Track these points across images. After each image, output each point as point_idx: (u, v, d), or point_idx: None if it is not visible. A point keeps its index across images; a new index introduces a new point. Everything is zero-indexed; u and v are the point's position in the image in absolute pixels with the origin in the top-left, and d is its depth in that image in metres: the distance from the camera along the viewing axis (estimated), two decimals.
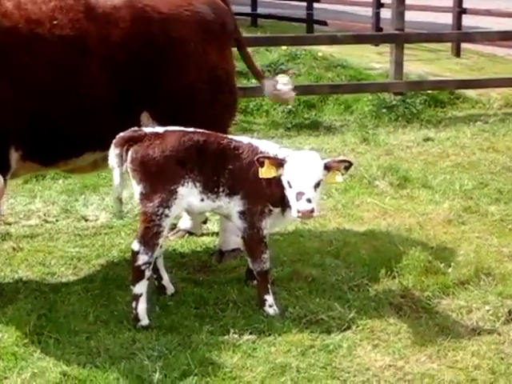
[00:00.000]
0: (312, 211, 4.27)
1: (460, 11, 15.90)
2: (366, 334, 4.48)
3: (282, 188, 4.49)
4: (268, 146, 4.63)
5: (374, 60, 14.24)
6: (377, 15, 17.08)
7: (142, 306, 4.50)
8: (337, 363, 4.18)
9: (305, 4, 19.08)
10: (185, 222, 6.02)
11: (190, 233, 6.01)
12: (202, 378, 3.96)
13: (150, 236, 4.42)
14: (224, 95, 5.27)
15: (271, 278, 4.91)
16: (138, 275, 4.46)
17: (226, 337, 4.41)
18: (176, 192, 4.42)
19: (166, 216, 4.42)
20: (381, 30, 16.40)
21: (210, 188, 4.54)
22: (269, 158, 4.42)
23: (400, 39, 10.54)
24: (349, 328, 4.53)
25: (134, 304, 4.50)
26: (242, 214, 4.61)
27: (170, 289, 4.96)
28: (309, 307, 4.73)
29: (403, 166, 7.70)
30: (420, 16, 18.05)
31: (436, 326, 4.57)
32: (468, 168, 7.95)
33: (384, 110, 10.31)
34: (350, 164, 4.51)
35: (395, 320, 4.62)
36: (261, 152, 4.57)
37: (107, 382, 3.86)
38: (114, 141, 4.46)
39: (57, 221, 6.28)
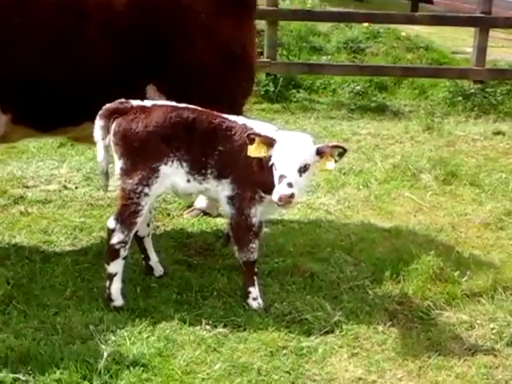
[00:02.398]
0: (291, 196, 3.92)
1: None
2: (347, 340, 4.15)
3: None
4: (264, 128, 4.30)
5: (469, 43, 13.46)
6: None
7: (115, 286, 4.32)
8: (304, 369, 3.88)
9: None
10: (201, 201, 5.79)
11: (206, 213, 5.79)
12: (149, 370, 3.75)
13: (127, 214, 4.22)
14: (237, 71, 5.00)
15: (265, 269, 4.65)
16: (113, 254, 4.28)
17: (197, 327, 4.18)
18: (158, 170, 4.19)
19: (146, 195, 4.20)
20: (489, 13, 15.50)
21: (197, 169, 4.28)
22: (260, 135, 4.11)
23: (484, 23, 9.81)
24: (331, 332, 4.21)
25: (107, 283, 4.33)
26: (231, 199, 4.33)
27: (159, 270, 4.76)
28: (296, 305, 4.42)
29: (456, 160, 7.15)
30: None
31: (427, 339, 4.17)
32: None
33: (460, 98, 9.68)
34: (344, 150, 4.13)
35: (384, 328, 4.26)
36: None
37: (49, 362, 3.70)
38: (99, 112, 4.26)
39: (76, 188, 6.19)
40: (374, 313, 4.41)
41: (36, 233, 5.28)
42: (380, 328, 4.25)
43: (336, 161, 4.12)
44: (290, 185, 3.92)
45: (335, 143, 4.24)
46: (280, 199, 3.94)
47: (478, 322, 4.35)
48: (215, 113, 4.34)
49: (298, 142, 4.05)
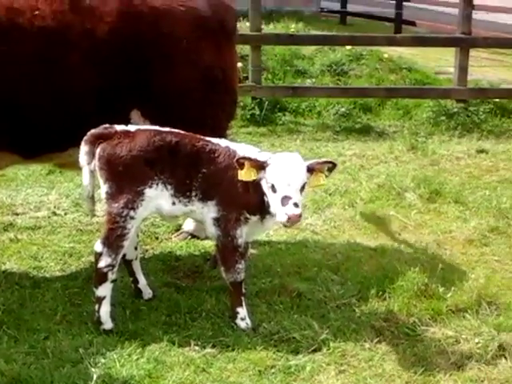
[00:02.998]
0: (300, 215, 4.01)
1: None
2: (335, 357, 4.20)
3: (261, 195, 4.24)
4: (247, 150, 4.38)
5: (452, 64, 13.62)
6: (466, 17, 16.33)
7: (104, 309, 4.36)
8: None
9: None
10: (189, 224, 5.85)
11: (194, 235, 5.84)
12: None
13: (113, 238, 4.27)
14: (219, 95, 5.07)
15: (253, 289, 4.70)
16: (101, 277, 4.32)
17: (186, 348, 4.22)
18: (143, 193, 4.25)
19: (131, 218, 4.26)
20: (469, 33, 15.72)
21: (182, 191, 4.35)
22: (249, 159, 4.19)
23: (464, 43, 9.98)
24: (319, 350, 4.26)
25: (96, 307, 4.37)
26: (217, 220, 4.39)
27: (147, 293, 4.80)
28: (284, 324, 4.47)
29: (439, 179, 7.25)
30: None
31: (413, 355, 4.23)
32: None
33: (443, 118, 9.82)
34: (334, 165, 4.24)
35: (371, 345, 4.31)
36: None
37: None
38: (84, 138, 4.33)
39: (65, 214, 6.24)
40: (361, 330, 4.46)
41: (26, 259, 5.32)
42: (367, 345, 4.30)
43: (326, 176, 4.21)
44: (296, 205, 4.00)
45: (324, 159, 4.34)
46: (290, 220, 3.99)
47: (464, 336, 4.40)
48: (198, 136, 4.42)
49: (292, 162, 4.13)
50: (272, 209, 4.18)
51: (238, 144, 4.53)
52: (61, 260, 5.36)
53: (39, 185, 6.91)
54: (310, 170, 4.18)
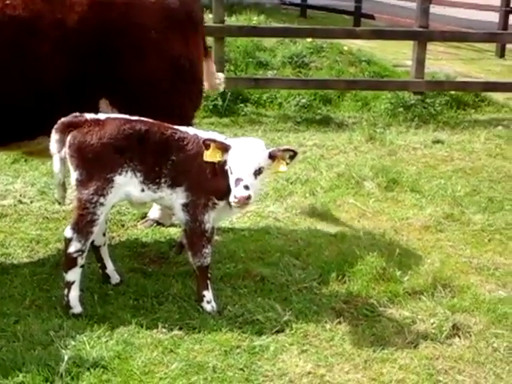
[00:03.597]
0: (248, 198, 4.19)
1: (507, 10, 15.43)
2: (297, 337, 4.37)
3: (228, 180, 4.40)
4: (214, 137, 4.53)
5: (410, 57, 13.89)
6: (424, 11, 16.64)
7: (73, 294, 4.48)
8: (257, 366, 4.09)
9: None
10: (154, 212, 5.98)
11: (159, 223, 5.96)
12: (109, 371, 3.92)
13: (83, 224, 4.38)
14: (186, 85, 5.20)
15: (218, 274, 4.84)
16: (70, 262, 4.43)
17: (154, 331, 4.36)
18: (112, 180, 4.37)
19: (101, 204, 4.37)
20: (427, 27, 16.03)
21: (151, 178, 4.47)
22: (215, 141, 4.35)
23: (421, 37, 10.23)
24: (282, 331, 4.43)
25: (66, 291, 4.48)
26: (185, 206, 4.53)
27: (115, 278, 4.92)
28: (248, 307, 4.63)
29: (397, 168, 7.48)
30: (467, 13, 17.68)
31: (372, 335, 4.43)
32: (468, 174, 7.70)
33: (400, 109, 10.06)
34: (295, 153, 4.41)
35: (331, 326, 4.50)
36: None
37: (12, 367, 3.84)
38: (54, 126, 4.42)
39: (31, 202, 6.31)
40: (322, 312, 4.65)
41: None
42: (328, 326, 4.49)
43: (287, 163, 4.38)
44: (246, 187, 4.18)
45: (286, 147, 4.51)
46: (238, 201, 4.18)
47: (420, 317, 4.62)
48: (167, 125, 4.55)
49: (251, 147, 4.31)
50: None
51: (206, 132, 4.67)
52: (28, 247, 5.45)
53: (4, 173, 6.96)
54: (272, 156, 4.35)
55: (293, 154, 4.41)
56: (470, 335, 4.45)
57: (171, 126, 4.55)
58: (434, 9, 18.45)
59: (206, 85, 5.77)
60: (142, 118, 4.51)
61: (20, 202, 6.30)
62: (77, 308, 4.48)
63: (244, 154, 4.27)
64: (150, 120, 4.52)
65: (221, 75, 6.04)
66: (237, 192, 4.19)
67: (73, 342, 4.14)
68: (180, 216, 4.58)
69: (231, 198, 4.25)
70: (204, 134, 4.56)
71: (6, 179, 6.80)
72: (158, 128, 4.49)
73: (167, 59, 5.06)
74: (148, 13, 4.94)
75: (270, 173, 4.48)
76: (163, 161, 4.46)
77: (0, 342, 4.12)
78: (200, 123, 9.19)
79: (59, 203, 4.95)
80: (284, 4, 21.86)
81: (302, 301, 4.77)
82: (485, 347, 4.35)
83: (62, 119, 4.43)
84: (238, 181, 4.22)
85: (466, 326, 4.51)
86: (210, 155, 4.34)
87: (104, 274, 4.92)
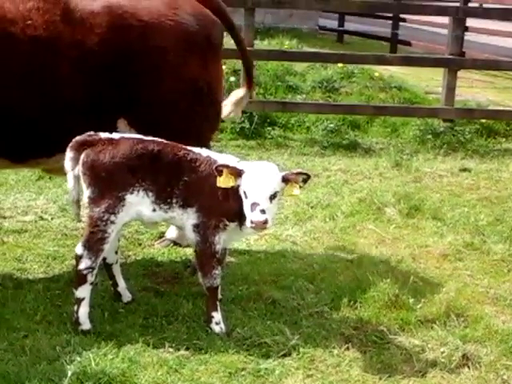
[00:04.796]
0: (265, 222, 4.21)
1: None
2: (304, 362, 4.35)
3: (240, 203, 4.42)
4: (227, 160, 4.56)
5: None
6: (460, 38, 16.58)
7: (83, 311, 4.51)
8: None
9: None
10: (171, 232, 6.01)
11: (176, 243, 5.99)
12: None
13: (94, 241, 4.43)
14: (204, 107, 5.24)
15: (229, 296, 4.85)
16: (81, 279, 4.48)
17: (161, 350, 4.37)
18: (124, 199, 4.42)
19: (112, 222, 4.42)
20: (463, 54, 15.98)
21: (162, 198, 4.51)
22: (227, 167, 4.38)
23: (453, 64, 10.18)
24: (289, 354, 4.41)
25: (75, 308, 4.52)
26: (196, 227, 4.56)
27: (127, 296, 4.95)
28: (256, 329, 4.62)
29: (420, 195, 7.42)
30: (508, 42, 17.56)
31: (380, 362, 4.38)
32: (493, 203, 7.59)
33: (429, 136, 9.99)
34: (308, 176, 4.42)
35: (339, 351, 4.46)
36: None
37: (16, 381, 3.88)
38: (69, 144, 4.49)
39: (52, 219, 6.39)
40: (331, 337, 4.61)
41: (10, 261, 5.48)
42: (335, 351, 4.45)
43: (301, 187, 4.39)
44: (263, 211, 4.20)
45: (299, 170, 4.52)
46: (255, 226, 4.21)
47: (430, 346, 4.55)
48: (180, 145, 4.59)
49: (266, 171, 4.33)
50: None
51: (219, 154, 4.71)
52: (44, 263, 5.52)
53: (28, 190, 7.08)
54: (286, 180, 4.36)
55: (306, 178, 4.42)
56: (480, 366, 4.37)
57: (184, 146, 4.59)
58: (474, 37, 18.50)
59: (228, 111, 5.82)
60: (156, 139, 4.56)
61: (41, 218, 6.39)
62: (86, 325, 4.52)
63: (259, 178, 4.29)
64: (164, 140, 4.57)
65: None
66: (253, 217, 4.21)
67: (78, 358, 4.16)
68: (191, 237, 4.61)
69: (248, 223, 4.27)
70: (217, 156, 4.60)
71: (29, 195, 6.91)
72: (171, 149, 4.53)
73: (185, 81, 5.11)
74: (167, 35, 5.00)
75: (283, 196, 4.47)
76: (175, 181, 4.50)
77: (7, 356, 4.16)
78: (226, 145, 9.29)
79: (79, 220, 5.01)
80: (321, 29, 21.92)
81: (311, 325, 4.75)
82: (494, 379, 4.27)
83: (77, 137, 4.51)
84: (254, 205, 4.23)
85: (477, 357, 4.44)
86: (224, 181, 4.37)
87: (116, 291, 4.95)
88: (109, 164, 4.40)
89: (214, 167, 4.38)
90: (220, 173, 4.36)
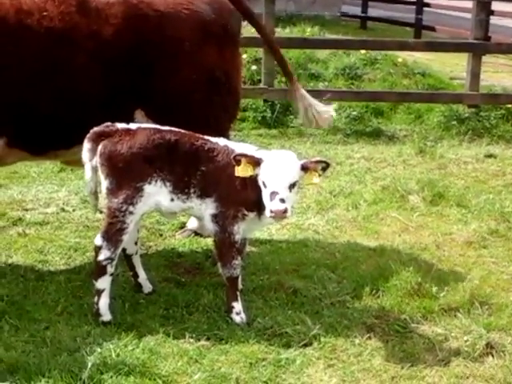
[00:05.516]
0: (285, 211, 4.17)
1: None
2: (325, 352, 4.31)
3: (258, 192, 4.38)
4: (245, 149, 4.52)
5: None
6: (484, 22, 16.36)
7: (103, 302, 4.51)
8: (281, 379, 4.04)
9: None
10: (192, 222, 5.99)
11: (197, 233, 5.97)
12: (132, 379, 3.91)
13: (113, 232, 4.42)
14: (222, 96, 5.21)
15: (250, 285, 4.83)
16: (100, 270, 4.48)
17: (181, 340, 4.35)
18: (142, 189, 4.40)
19: (131, 213, 4.40)
20: (488, 38, 15.75)
21: (180, 188, 4.48)
22: (246, 156, 4.34)
23: (477, 49, 10.03)
24: (310, 344, 4.37)
25: (95, 299, 4.52)
26: (215, 217, 4.53)
27: (147, 287, 4.94)
28: (277, 319, 4.59)
29: (444, 182, 7.33)
30: None
31: (402, 351, 4.33)
32: None
33: (454, 123, 9.87)
34: (327, 165, 4.38)
35: (361, 341, 4.41)
36: None
37: (36, 373, 3.88)
38: (87, 135, 4.48)
39: (73, 210, 6.41)
40: (352, 326, 4.56)
41: (32, 253, 5.49)
42: (357, 341, 4.41)
43: (320, 175, 4.34)
44: (282, 200, 4.16)
45: (318, 158, 4.48)
46: (274, 215, 4.18)
47: (453, 334, 4.49)
48: (197, 135, 4.56)
49: (285, 160, 4.28)
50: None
51: (236, 143, 4.67)
52: (66, 254, 5.53)
53: (50, 182, 7.11)
54: (305, 168, 4.32)
55: (325, 166, 4.37)
56: (505, 354, 4.29)
57: (202, 136, 4.56)
58: (502, 21, 18.23)
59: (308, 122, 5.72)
60: (173, 128, 4.53)
61: (63, 209, 6.41)
62: (106, 316, 4.51)
63: (278, 167, 4.24)
64: (181, 130, 4.54)
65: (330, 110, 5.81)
66: (273, 206, 4.17)
67: (99, 349, 4.16)
68: (209, 227, 4.58)
69: (267, 213, 4.24)
70: (235, 146, 4.56)
71: (51, 187, 6.94)
72: (188, 138, 4.50)
73: (202, 71, 5.08)
74: (183, 25, 4.97)
75: (305, 185, 4.42)
76: (193, 171, 4.47)
77: (28, 347, 4.17)
78: (248, 134, 9.26)
79: (100, 212, 5.00)
80: (344, 16, 21.76)
81: (333, 315, 4.70)
82: None
83: (94, 129, 4.49)
84: (273, 194, 4.19)
85: (501, 345, 4.37)
86: (242, 170, 4.33)
87: (136, 282, 4.94)
88: (126, 154, 4.38)
89: (232, 157, 4.34)
90: (238, 162, 4.32)
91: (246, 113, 9.79)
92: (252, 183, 4.41)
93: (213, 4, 5.13)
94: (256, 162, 4.31)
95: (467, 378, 4.10)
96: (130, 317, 4.59)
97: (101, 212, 5.08)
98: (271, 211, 4.19)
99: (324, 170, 4.39)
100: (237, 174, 4.35)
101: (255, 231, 5.09)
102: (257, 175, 4.34)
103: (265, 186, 4.27)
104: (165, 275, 5.24)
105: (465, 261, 5.66)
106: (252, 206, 4.49)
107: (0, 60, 4.66)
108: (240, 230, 4.54)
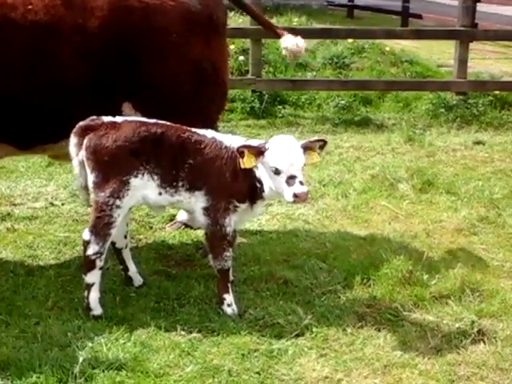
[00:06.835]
0: (308, 192, 4.19)
1: None
2: (317, 341, 4.30)
3: (250, 182, 4.37)
4: (233, 140, 4.50)
5: None
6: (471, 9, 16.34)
7: (93, 296, 4.49)
8: (274, 370, 4.04)
9: None
10: (182, 214, 5.96)
11: (187, 225, 5.95)
12: (124, 373, 3.90)
13: (100, 226, 4.39)
14: (209, 88, 5.17)
15: (241, 276, 4.82)
16: (89, 265, 4.45)
17: (173, 333, 4.34)
18: (128, 183, 4.36)
19: (118, 207, 4.37)
20: (475, 25, 15.74)
21: (168, 182, 4.45)
22: (248, 146, 4.32)
23: (464, 36, 10.02)
24: (302, 334, 4.36)
25: (85, 293, 4.50)
26: (206, 210, 4.50)
27: (138, 280, 4.92)
28: (269, 310, 4.58)
29: (433, 170, 7.34)
30: None
31: (394, 340, 4.33)
32: (508, 175, 7.50)
33: (442, 110, 9.87)
34: (325, 142, 4.41)
35: (353, 330, 4.42)
36: (225, 147, 4.46)
37: (28, 368, 3.86)
38: (73, 130, 4.45)
39: (62, 205, 6.38)
40: (344, 316, 4.56)
41: (21, 248, 5.46)
42: (349, 330, 4.41)
43: (318, 153, 4.39)
44: (301, 183, 4.17)
45: (315, 138, 4.52)
46: (300, 198, 4.17)
47: (445, 322, 4.50)
48: (184, 127, 4.53)
49: (290, 143, 4.28)
50: (267, 193, 4.39)
51: (224, 134, 4.65)
52: (55, 249, 5.49)
53: (38, 176, 7.07)
54: (304, 148, 4.33)
55: (322, 144, 4.40)
56: (496, 341, 4.31)
57: (188, 128, 4.53)
58: (486, 7, 18.20)
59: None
60: (159, 121, 4.50)
61: (51, 204, 6.37)
62: (97, 310, 4.49)
63: (287, 151, 4.23)
64: (167, 123, 4.51)
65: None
66: (296, 189, 4.15)
67: (90, 344, 4.14)
68: (201, 220, 4.55)
69: (288, 198, 4.20)
70: (222, 137, 4.54)
71: (40, 182, 6.90)
72: (175, 131, 4.47)
73: (188, 62, 5.05)
74: (168, 16, 4.93)
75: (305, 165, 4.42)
76: (180, 164, 4.44)
77: (19, 343, 4.15)
78: (237, 125, 9.24)
79: (89, 206, 4.96)
80: (331, 5, 21.72)
81: (324, 304, 4.70)
82: (510, 353, 4.21)
83: (80, 123, 4.46)
84: (291, 179, 4.18)
85: (492, 332, 4.39)
86: (247, 162, 4.30)
87: (126, 276, 4.92)
88: (111, 148, 4.34)
89: (235, 149, 4.32)
90: (242, 154, 4.30)
91: (234, 103, 9.76)
92: (243, 175, 4.39)
93: None
94: (260, 152, 4.29)
95: (459, 364, 4.11)
96: (120, 310, 4.57)
97: (90, 206, 5.04)
98: (295, 195, 4.16)
99: (321, 148, 4.42)
100: (242, 167, 4.32)
101: (246, 222, 5.06)
102: (254, 166, 4.32)
103: (277, 173, 4.23)
104: (155, 268, 5.23)
105: (455, 248, 5.67)
106: (243, 197, 4.47)
107: None
108: (231, 222, 4.52)
